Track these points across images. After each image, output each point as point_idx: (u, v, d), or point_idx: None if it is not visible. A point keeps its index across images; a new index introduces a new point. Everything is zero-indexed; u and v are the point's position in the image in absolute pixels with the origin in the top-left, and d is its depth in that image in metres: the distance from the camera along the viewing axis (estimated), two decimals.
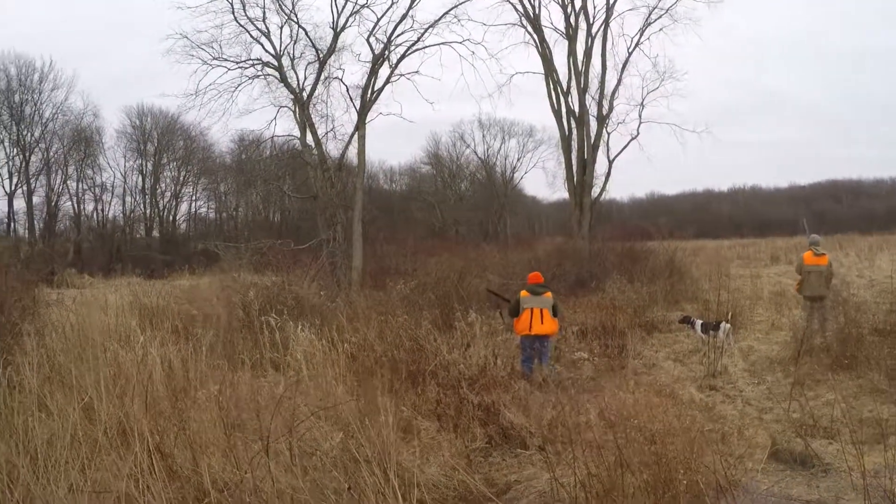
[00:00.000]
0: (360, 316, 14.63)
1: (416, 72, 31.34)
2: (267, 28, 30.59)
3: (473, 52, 38.13)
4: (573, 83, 34.91)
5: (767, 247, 52.18)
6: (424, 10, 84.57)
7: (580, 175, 34.72)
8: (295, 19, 30.43)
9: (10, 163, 56.15)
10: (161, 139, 65.30)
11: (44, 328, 13.01)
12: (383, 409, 7.81)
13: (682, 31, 36.85)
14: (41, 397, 8.03)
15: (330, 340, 11.50)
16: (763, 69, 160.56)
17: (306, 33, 30.74)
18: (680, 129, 36.20)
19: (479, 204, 77.73)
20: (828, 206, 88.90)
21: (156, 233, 66.94)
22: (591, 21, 35.12)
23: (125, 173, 64.18)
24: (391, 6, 30.54)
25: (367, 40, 30.94)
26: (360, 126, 30.85)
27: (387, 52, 30.92)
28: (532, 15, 34.98)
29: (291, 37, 30.98)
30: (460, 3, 31.15)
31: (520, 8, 34.94)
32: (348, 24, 30.85)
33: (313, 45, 30.87)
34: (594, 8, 35.34)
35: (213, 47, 29.81)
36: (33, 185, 57.70)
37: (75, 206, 62.26)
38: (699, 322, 16.37)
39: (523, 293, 13.88)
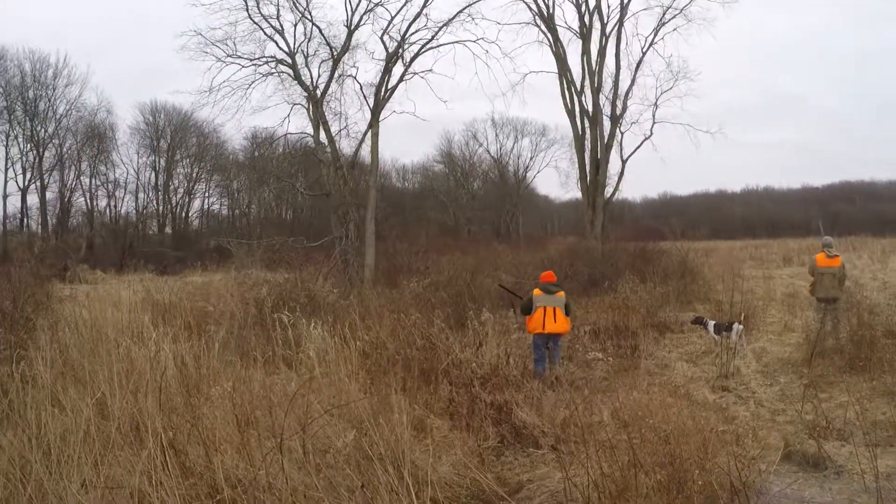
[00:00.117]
0: (372, 314, 14.61)
1: (430, 70, 31.45)
2: (281, 25, 30.72)
3: (487, 51, 38.13)
4: (587, 83, 34.95)
5: (780, 248, 52.05)
6: (438, 9, 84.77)
7: (593, 175, 34.72)
8: (309, 17, 30.54)
9: (24, 158, 56.50)
10: (174, 136, 65.51)
11: (57, 323, 13.04)
12: (397, 407, 7.80)
13: (697, 31, 36.82)
14: (54, 392, 8.03)
15: (342, 338, 11.47)
16: (777, 70, 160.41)
17: (320, 31, 30.83)
18: (693, 129, 36.32)
19: (492, 203, 77.82)
20: (841, 207, 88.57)
21: (168, 229, 67.09)
22: (606, 20, 35.22)
23: (138, 169, 64.47)
24: (405, 4, 30.66)
25: (381, 38, 31.04)
26: (374, 124, 30.86)
27: (401, 51, 30.96)
28: (546, 14, 35.00)
29: (305, 34, 31.07)
30: (474, 2, 31.19)
31: (534, 7, 35.05)
32: (362, 22, 30.94)
33: (327, 43, 30.93)
34: (608, 7, 35.52)
35: (227, 44, 29.98)
36: (46, 181, 58.07)
37: (88, 201, 62.66)
38: (712, 323, 16.33)
39: (536, 291, 13.92)
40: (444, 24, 30.87)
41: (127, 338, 10.80)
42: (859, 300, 17.10)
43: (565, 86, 35.07)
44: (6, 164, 55.42)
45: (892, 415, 10.18)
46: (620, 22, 34.98)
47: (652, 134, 35.94)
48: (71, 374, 9.27)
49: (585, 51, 35.01)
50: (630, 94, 35.51)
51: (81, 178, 61.29)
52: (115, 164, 63.31)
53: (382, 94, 30.91)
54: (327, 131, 30.62)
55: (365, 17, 30.83)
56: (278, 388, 8.80)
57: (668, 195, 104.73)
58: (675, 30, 34.92)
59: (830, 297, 15.75)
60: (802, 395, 11.33)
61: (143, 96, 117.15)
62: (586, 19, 35.06)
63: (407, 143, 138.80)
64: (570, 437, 8.92)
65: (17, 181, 56.34)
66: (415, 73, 31.30)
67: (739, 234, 77.90)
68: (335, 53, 30.74)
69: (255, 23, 30.06)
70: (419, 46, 31.18)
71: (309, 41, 31.04)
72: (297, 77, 30.73)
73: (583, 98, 34.96)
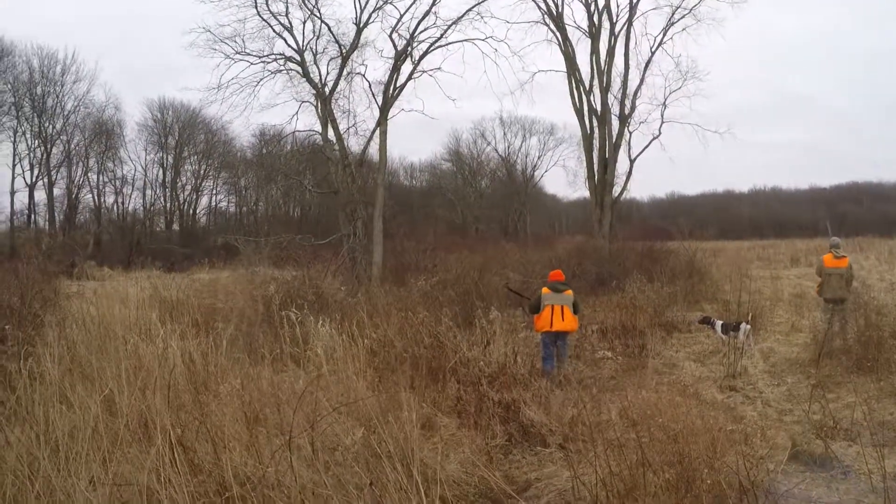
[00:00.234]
0: (380, 312, 14.61)
1: (439, 68, 31.49)
2: (290, 23, 30.73)
3: (496, 50, 38.30)
4: (595, 82, 34.93)
5: (787, 248, 52.12)
6: (448, 7, 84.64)
7: (601, 174, 34.71)
8: (318, 14, 30.52)
9: (32, 154, 56.71)
10: (182, 133, 65.66)
11: (65, 320, 13.04)
12: (406, 404, 7.79)
13: (706, 31, 36.78)
14: (62, 389, 8.02)
15: (350, 336, 11.47)
16: (786, 70, 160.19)
17: (329, 29, 30.80)
18: (702, 129, 36.23)
19: (499, 201, 77.92)
20: (848, 208, 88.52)
21: (176, 226, 67.27)
22: (615, 20, 35.19)
23: (146, 166, 64.70)
24: (414, 2, 30.68)
25: (390, 36, 31.03)
26: (382, 122, 30.89)
27: (409, 49, 30.97)
28: (555, 13, 35.00)
29: (314, 32, 31.06)
30: (483, 1, 31.18)
31: (543, 6, 35.03)
32: (371, 19, 30.96)
33: (336, 41, 30.94)
34: (617, 7, 35.46)
35: (235, 41, 30.00)
36: (54, 177, 58.17)
37: (96, 198, 62.80)
38: (719, 323, 16.29)
39: (545, 290, 13.98)
40: (454, 23, 30.94)
41: (135, 335, 10.81)
42: (867, 301, 17.03)
43: (574, 85, 35.08)
44: (14, 161, 55.78)
45: None
46: (629, 21, 35.02)
47: (660, 133, 35.92)
48: (79, 370, 9.27)
49: (594, 50, 35.01)
50: (639, 94, 35.52)
51: (89, 174, 61.57)
52: (122, 160, 63.67)
53: (391, 92, 30.94)
54: (336, 129, 30.63)
55: (374, 15, 30.93)
56: (286, 386, 8.79)
57: (675, 195, 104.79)
58: (684, 29, 34.92)
59: (838, 298, 15.71)
60: (810, 396, 11.26)
61: (152, 93, 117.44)
62: (595, 18, 35.09)
63: (415, 141, 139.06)
64: (578, 435, 8.93)
65: (24, 177, 56.70)
66: (423, 72, 31.38)
67: (747, 235, 77.88)
68: (344, 51, 30.74)
69: (263, 20, 30.10)
70: (428, 44, 31.27)
71: (318, 39, 31.10)
72: (305, 74, 30.74)
73: (591, 97, 34.98)
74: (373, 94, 31.23)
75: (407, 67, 31.30)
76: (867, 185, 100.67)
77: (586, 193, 38.21)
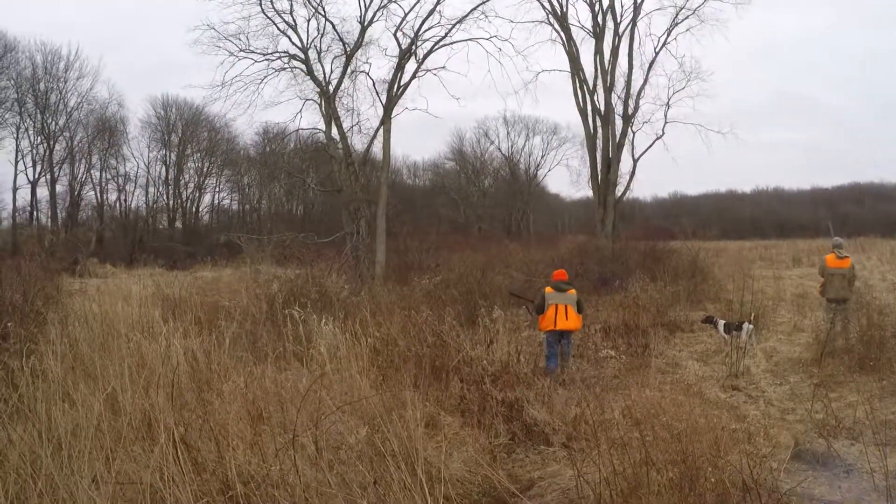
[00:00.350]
0: (383, 310, 14.60)
1: (443, 67, 31.46)
2: (294, 21, 30.77)
3: (500, 49, 37.93)
4: (599, 82, 35.01)
5: (790, 248, 52.13)
6: (452, 6, 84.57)
7: (604, 174, 34.76)
8: (322, 12, 30.56)
9: (34, 151, 56.59)
10: (185, 130, 65.58)
11: (67, 317, 13.02)
12: (409, 403, 7.77)
13: (709, 31, 36.68)
14: (65, 387, 8.01)
15: (353, 334, 11.46)
16: (788, 71, 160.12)
17: (333, 27, 30.84)
18: (705, 129, 36.31)
19: (502, 201, 77.90)
20: (850, 208, 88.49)
21: (178, 224, 67.22)
22: (619, 20, 35.26)
23: (149, 163, 64.61)
24: (419, 1, 30.67)
25: (395, 35, 31.06)
26: (386, 120, 30.91)
27: (414, 47, 31.00)
28: (559, 13, 35.02)
29: (318, 30, 31.10)
30: (488, 0, 31.13)
31: (547, 6, 35.09)
32: (376, 18, 30.98)
33: (340, 39, 30.96)
34: (622, 7, 35.50)
35: (239, 39, 30.04)
36: (57, 174, 58.15)
37: (98, 195, 62.74)
38: (722, 322, 16.34)
39: (548, 290, 14.16)
40: (458, 22, 30.95)
41: (137, 332, 10.78)
42: (869, 301, 17.11)
43: (578, 85, 35.12)
44: (17, 157, 55.70)
45: None
46: (633, 22, 35.10)
47: (664, 133, 35.99)
48: (81, 368, 9.24)
49: (598, 50, 35.04)
50: (642, 94, 35.63)
51: (92, 171, 61.48)
52: (125, 157, 63.57)
53: (395, 90, 30.96)
54: (339, 127, 30.65)
55: (378, 14, 30.96)
56: (290, 385, 8.77)
57: (678, 195, 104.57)
58: (688, 30, 35.05)
59: (840, 298, 15.76)
60: (812, 395, 11.35)
61: (155, 90, 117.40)
62: (599, 19, 35.16)
63: (418, 140, 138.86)
64: (582, 434, 9.00)
65: (27, 174, 56.60)
66: (427, 71, 31.38)
67: (749, 235, 77.76)
68: (348, 49, 30.78)
69: (268, 18, 30.17)
70: (432, 43, 31.30)
71: (322, 37, 31.13)
72: (309, 72, 30.76)
73: (595, 97, 35.05)
74: (376, 93, 31.34)
75: (411, 66, 31.39)
76: (869, 186, 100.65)
77: (589, 193, 38.39)
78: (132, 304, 14.39)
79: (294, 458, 5.96)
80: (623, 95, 35.24)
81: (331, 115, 30.39)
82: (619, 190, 35.80)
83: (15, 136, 55.27)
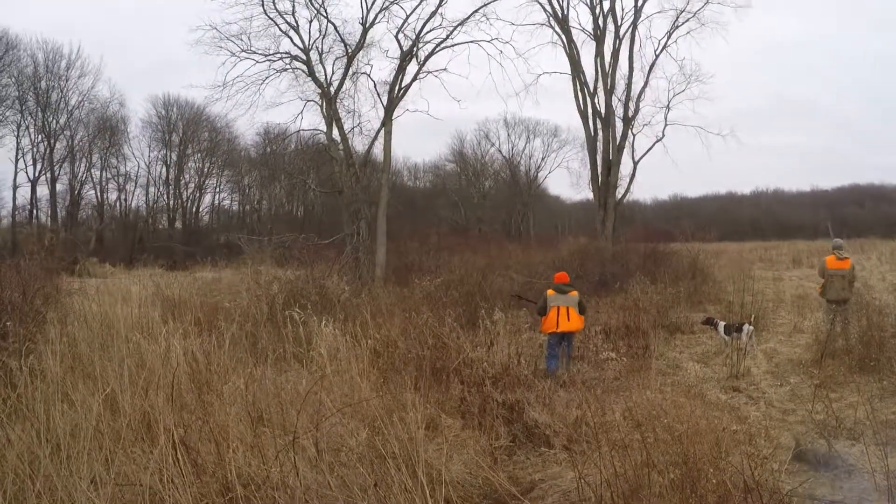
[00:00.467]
0: (383, 312, 14.59)
1: (444, 69, 31.57)
2: (296, 22, 30.77)
3: (501, 52, 38.06)
4: (600, 84, 34.99)
5: (789, 250, 52.34)
6: (453, 8, 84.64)
7: (605, 176, 34.77)
8: (324, 14, 30.56)
9: (35, 149, 56.41)
10: (186, 130, 65.50)
11: (66, 317, 13.00)
12: (410, 405, 7.75)
13: (709, 34, 36.81)
14: (64, 387, 7.98)
15: (354, 336, 11.44)
16: (788, 73, 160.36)
17: (335, 28, 30.82)
18: (705, 131, 36.36)
19: (503, 203, 78.02)
20: (850, 210, 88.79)
21: (178, 224, 67.17)
22: (619, 23, 35.23)
23: (149, 163, 64.56)
24: (420, 3, 30.74)
25: (396, 37, 31.04)
26: (387, 122, 30.90)
27: (415, 49, 30.99)
28: (560, 15, 34.98)
29: (320, 31, 31.10)
30: (489, 2, 31.33)
31: (548, 8, 35.07)
32: (377, 20, 30.97)
33: (342, 40, 30.95)
34: (622, 10, 35.50)
35: (241, 39, 30.02)
36: (57, 173, 57.93)
37: (98, 194, 62.64)
38: (722, 324, 16.37)
39: (550, 292, 14.25)
40: (459, 24, 30.96)
41: (137, 333, 10.77)
42: (868, 301, 17.15)
43: (578, 87, 35.10)
44: (17, 155, 55.53)
45: None
46: (634, 25, 35.07)
47: (664, 136, 36.03)
48: (80, 368, 9.23)
49: (599, 53, 35.02)
50: (642, 96, 35.63)
51: (92, 170, 61.31)
52: (126, 157, 63.48)
53: (396, 92, 30.94)
54: (340, 129, 30.65)
55: (380, 15, 30.94)
56: (290, 386, 8.76)
57: (678, 197, 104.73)
58: (688, 33, 35.08)
59: (841, 299, 15.82)
60: (813, 396, 11.37)
61: (156, 89, 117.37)
62: (600, 21, 35.09)
63: (419, 142, 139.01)
64: (583, 436, 8.99)
65: (27, 172, 56.40)
66: (429, 72, 31.43)
67: (749, 236, 78.03)
68: (350, 51, 30.76)
69: (270, 18, 30.15)
70: (434, 45, 31.28)
71: (324, 38, 31.13)
72: (311, 74, 30.75)
73: (595, 99, 35.03)
74: (378, 95, 31.34)
75: (412, 68, 31.40)
76: (869, 187, 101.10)
77: (590, 195, 38.38)
78: (132, 305, 14.35)
79: (294, 461, 5.95)
80: (623, 98, 35.27)
81: (332, 117, 30.38)
82: (620, 192, 35.81)
83: (16, 133, 55.23)
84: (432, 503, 5.87)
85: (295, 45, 30.95)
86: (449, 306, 15.10)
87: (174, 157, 65.34)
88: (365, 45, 30.83)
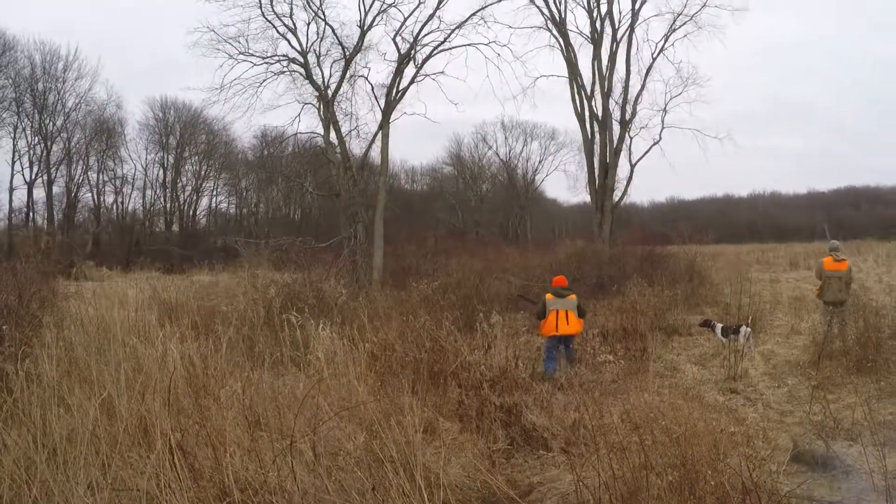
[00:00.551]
0: (381, 315, 14.59)
1: (442, 72, 31.47)
2: (294, 24, 30.71)
3: (499, 55, 38.16)
4: (597, 87, 34.96)
5: (786, 252, 52.47)
6: (451, 11, 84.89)
7: (602, 179, 34.74)
8: (322, 16, 30.53)
9: (32, 151, 56.30)
10: (183, 132, 65.48)
11: (63, 321, 12.97)
12: (407, 409, 7.74)
13: (706, 37, 36.82)
14: (60, 391, 7.96)
15: (351, 339, 11.43)
16: (785, 76, 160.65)
17: (333, 31, 30.81)
18: (702, 134, 36.26)
19: (500, 206, 78.12)
20: (846, 212, 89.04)
21: (175, 227, 67.13)
22: (617, 26, 35.23)
23: (146, 166, 64.53)
24: (418, 6, 30.68)
25: (394, 39, 31.04)
26: (384, 125, 30.88)
27: (413, 52, 30.97)
28: (558, 19, 35.00)
29: (318, 34, 31.05)
30: (487, 5, 31.33)
31: (546, 11, 35.04)
32: (375, 22, 30.94)
33: (340, 43, 30.91)
34: (620, 13, 35.50)
35: (239, 42, 29.98)
36: (53, 175, 57.73)
37: (95, 197, 62.53)
38: (719, 326, 16.38)
39: (548, 296, 14.29)
40: (457, 27, 30.96)
41: (134, 337, 10.75)
42: (865, 303, 17.17)
43: (576, 90, 35.11)
44: (14, 157, 55.30)
45: None
46: (631, 28, 35.08)
47: (661, 139, 35.97)
48: (77, 372, 9.19)
49: (596, 56, 35.05)
50: (640, 99, 35.58)
51: (89, 173, 61.24)
52: (123, 159, 63.43)
53: (394, 95, 30.93)
54: (338, 131, 30.61)
55: (378, 18, 30.91)
56: (287, 390, 8.75)
57: (675, 199, 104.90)
58: (685, 36, 35.02)
59: (838, 301, 15.83)
60: (810, 397, 11.38)
61: (154, 92, 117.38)
62: (598, 24, 35.09)
63: (416, 145, 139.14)
64: (581, 439, 9.01)
65: (23, 174, 56.20)
66: (426, 75, 31.39)
67: (746, 239, 78.02)
68: (347, 53, 30.74)
69: (268, 21, 30.10)
70: (431, 48, 31.27)
71: (321, 40, 31.09)
72: (308, 76, 30.73)
73: (593, 102, 35.00)
74: (375, 97, 31.31)
75: (410, 71, 31.36)
76: (865, 190, 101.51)
77: (587, 198, 38.29)
78: (128, 308, 14.34)
79: (292, 465, 5.94)
80: (621, 101, 35.25)
81: (329, 120, 30.34)
82: (617, 195, 35.80)
83: (12, 136, 55.05)
84: None
85: (292, 47, 30.96)
86: (446, 309, 15.10)
87: (171, 159, 65.34)
88: (363, 47, 30.85)
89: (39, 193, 57.57)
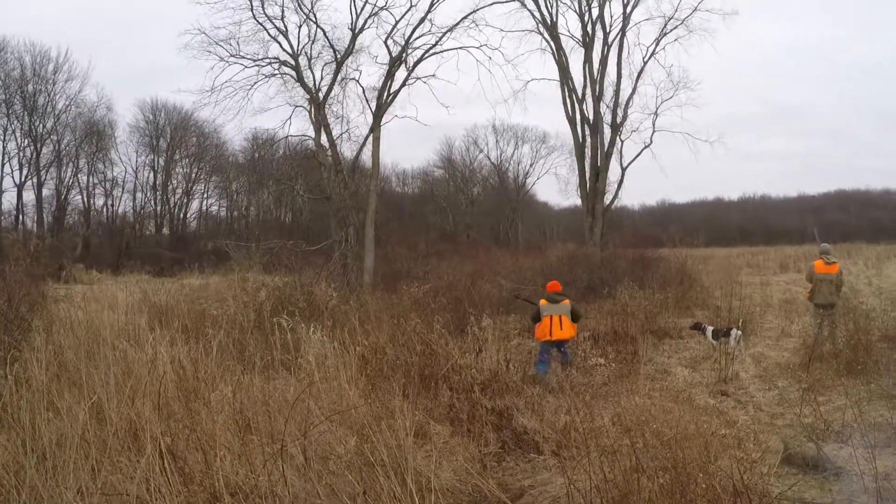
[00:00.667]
0: (371, 319, 14.57)
1: (433, 75, 31.43)
2: (285, 27, 30.68)
3: (490, 58, 37.96)
4: (588, 91, 35.01)
5: (776, 255, 52.76)
6: (443, 14, 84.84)
7: (593, 182, 34.78)
8: (313, 19, 30.49)
9: (21, 153, 56.27)
10: (174, 135, 65.46)
11: (52, 324, 12.92)
12: (398, 412, 7.73)
13: (697, 41, 37.03)
14: (49, 395, 7.92)
15: (342, 343, 11.41)
16: (774, 80, 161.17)
17: (324, 33, 30.77)
18: (692, 137, 36.38)
19: (491, 209, 78.26)
20: (836, 215, 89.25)
21: (166, 230, 67.09)
22: (608, 30, 35.30)
23: (136, 168, 64.56)
24: (410, 9, 30.65)
25: (385, 42, 31.00)
26: (375, 128, 30.87)
27: (404, 55, 30.97)
28: (549, 22, 35.01)
29: (309, 36, 31.02)
30: (479, 9, 31.33)
31: (537, 15, 35.03)
32: (366, 25, 30.90)
33: (331, 46, 30.89)
34: (611, 17, 35.50)
35: (230, 44, 29.91)
36: (44, 178, 57.72)
37: (85, 200, 62.56)
38: (710, 328, 16.42)
39: (542, 302, 14.56)
40: (449, 30, 30.97)
41: (123, 340, 10.70)
42: (855, 305, 17.29)
43: (567, 93, 35.12)
44: (3, 159, 55.28)
45: (889, 417, 10.23)
46: (623, 31, 35.12)
47: (652, 142, 36.03)
48: (66, 376, 9.16)
49: (587, 59, 35.05)
50: (631, 103, 35.62)
51: (79, 175, 61.24)
52: (113, 162, 63.45)
53: (385, 98, 30.90)
54: (329, 134, 30.57)
55: (369, 21, 30.88)
56: (278, 394, 8.72)
57: (666, 202, 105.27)
58: (676, 40, 35.08)
59: (828, 303, 15.93)
60: (801, 399, 11.40)
61: (144, 94, 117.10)
62: (589, 28, 35.13)
63: (408, 148, 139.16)
64: (572, 442, 8.94)
65: (13, 177, 56.17)
66: (417, 78, 31.39)
67: (736, 242, 78.16)
68: (338, 56, 30.69)
69: (259, 23, 30.05)
70: (423, 51, 31.29)
71: (312, 43, 31.02)
72: (299, 79, 30.67)
73: (584, 106, 35.03)
74: (366, 100, 31.29)
75: (401, 74, 31.34)
76: (854, 193, 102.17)
77: (578, 201, 38.47)
78: (118, 312, 14.29)
79: (282, 469, 5.92)
80: (612, 104, 35.27)
81: (320, 122, 30.29)
82: (608, 198, 35.83)
83: (2, 138, 55.05)
84: None
85: (284, 50, 30.90)
86: (437, 313, 15.08)
87: (162, 162, 65.31)
88: (354, 50, 30.78)
89: (29, 196, 57.64)
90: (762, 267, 45.66)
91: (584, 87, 35.07)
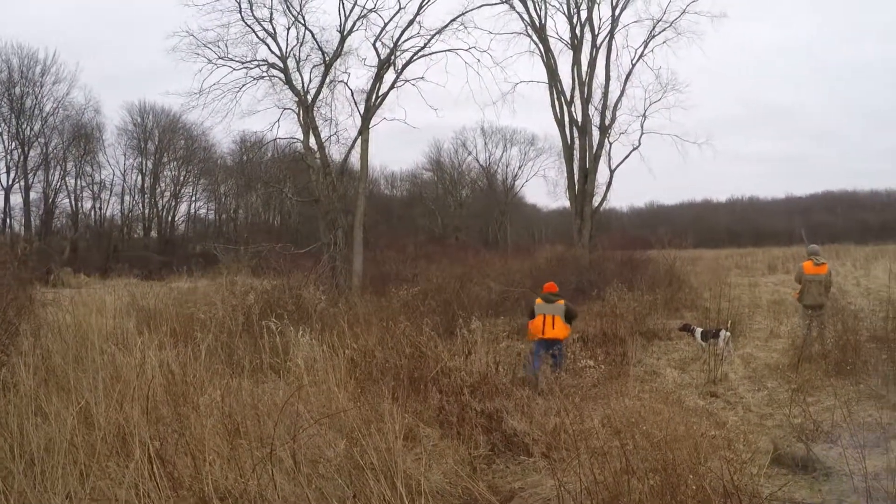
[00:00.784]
0: (361, 322, 14.56)
1: (422, 78, 31.42)
2: (273, 29, 30.62)
3: (479, 60, 38.18)
4: (577, 93, 35.09)
5: (765, 256, 52.94)
6: (431, 17, 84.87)
7: (581, 184, 34.85)
8: (302, 21, 30.44)
9: (8, 157, 56.12)
10: (162, 138, 65.29)
11: (40, 328, 12.87)
12: (388, 415, 7.72)
13: (686, 43, 37.07)
14: (37, 400, 7.89)
15: (331, 346, 11.39)
16: (762, 82, 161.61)
17: (313, 36, 30.74)
18: (681, 139, 36.50)
19: (480, 211, 78.40)
20: (824, 217, 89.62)
21: (154, 233, 66.91)
22: (597, 32, 35.39)
23: (125, 171, 64.43)
24: (398, 12, 30.63)
25: (374, 45, 31.00)
26: (364, 130, 30.83)
27: (393, 58, 30.95)
28: (538, 25, 35.06)
29: (298, 39, 30.97)
30: (467, 11, 31.36)
31: (526, 17, 35.09)
32: (355, 28, 30.87)
33: (319, 48, 30.87)
34: (599, 19, 35.61)
35: (218, 46, 29.85)
36: (31, 181, 57.52)
37: (73, 203, 62.40)
38: (699, 330, 16.44)
39: (538, 301, 14.83)
40: (437, 32, 30.96)
41: (112, 344, 10.67)
42: (844, 306, 17.34)
43: (555, 96, 35.18)
44: None
45: (878, 417, 10.30)
46: (611, 34, 35.20)
47: (640, 144, 36.12)
48: (54, 381, 9.11)
49: (576, 61, 35.11)
50: (619, 105, 35.73)
51: (66, 178, 61.11)
52: (101, 165, 63.31)
53: (373, 100, 30.87)
54: (317, 137, 30.52)
55: (358, 23, 30.85)
56: (267, 398, 8.70)
57: (654, 204, 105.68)
58: (664, 42, 35.19)
59: (817, 304, 16.02)
60: (790, 400, 11.43)
61: (132, 96, 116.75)
62: (577, 31, 35.21)
63: (396, 151, 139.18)
64: (562, 444, 8.94)
65: (0, 180, 56.01)
66: (406, 81, 31.36)
67: (725, 243, 78.43)
68: (327, 59, 30.66)
69: (247, 25, 29.99)
70: (411, 54, 31.26)
71: (301, 45, 30.99)
72: (288, 81, 30.61)
73: (572, 108, 35.10)
74: (355, 103, 31.23)
75: (390, 76, 31.32)
76: (842, 194, 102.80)
77: (566, 203, 38.50)
78: (106, 315, 14.24)
79: (272, 473, 5.90)
80: (600, 107, 35.37)
81: (309, 125, 30.24)
82: (596, 200, 35.90)
83: None
84: None
85: (272, 52, 30.82)
86: (426, 315, 15.08)
87: (150, 165, 65.18)
88: (342, 53, 30.76)
89: (16, 199, 57.49)
90: (750, 268, 45.83)
91: (573, 89, 35.19)
